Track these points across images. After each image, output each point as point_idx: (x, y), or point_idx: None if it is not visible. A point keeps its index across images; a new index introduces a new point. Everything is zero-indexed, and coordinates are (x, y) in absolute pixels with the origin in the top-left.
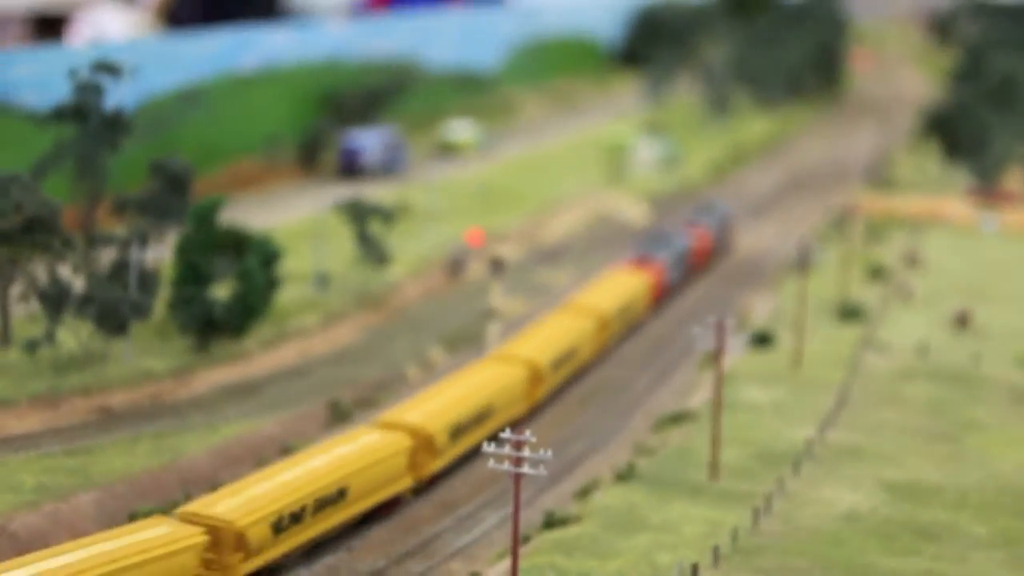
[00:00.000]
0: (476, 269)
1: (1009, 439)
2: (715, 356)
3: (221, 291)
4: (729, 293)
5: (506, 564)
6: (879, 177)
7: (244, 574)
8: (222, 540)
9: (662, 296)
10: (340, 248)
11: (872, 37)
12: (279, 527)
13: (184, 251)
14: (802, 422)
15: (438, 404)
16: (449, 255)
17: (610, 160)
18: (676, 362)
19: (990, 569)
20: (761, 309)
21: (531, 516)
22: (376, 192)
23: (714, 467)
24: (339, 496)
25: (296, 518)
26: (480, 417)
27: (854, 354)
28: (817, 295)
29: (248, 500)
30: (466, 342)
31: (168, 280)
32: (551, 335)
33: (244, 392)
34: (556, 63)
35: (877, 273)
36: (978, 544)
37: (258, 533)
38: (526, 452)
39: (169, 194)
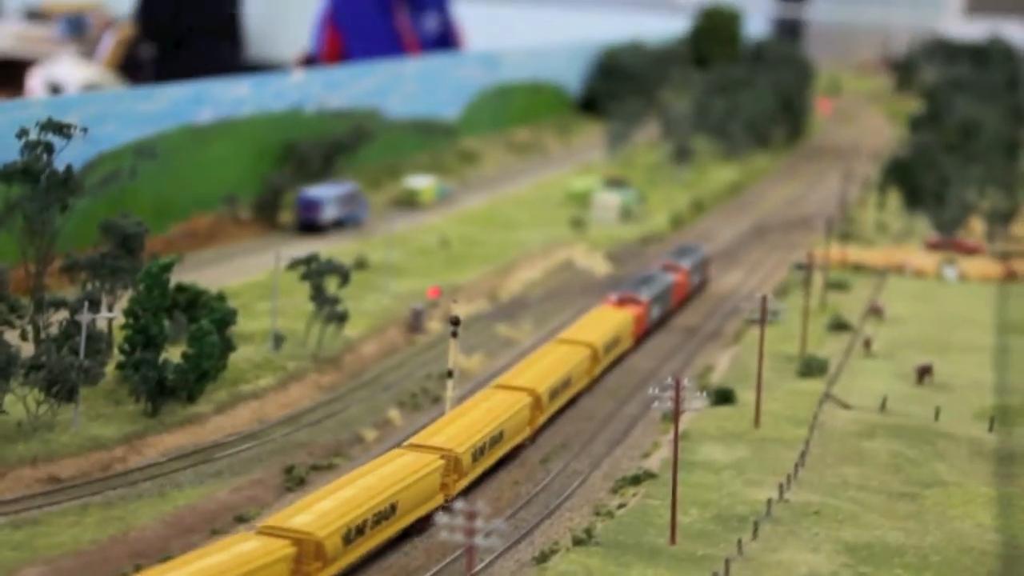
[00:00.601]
0: (436, 326)
1: (969, 496)
2: (672, 417)
3: (174, 354)
4: (689, 346)
5: None
6: (841, 227)
7: None
8: None
9: (645, 331)
10: (297, 306)
11: (832, 83)
12: None
13: (135, 313)
14: (762, 482)
15: (458, 429)
16: (409, 312)
17: (572, 211)
18: (635, 419)
19: None
20: (722, 363)
21: None
22: (335, 247)
23: (673, 530)
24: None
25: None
26: (494, 441)
27: (815, 411)
28: (778, 349)
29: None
30: (426, 402)
31: (119, 343)
32: (548, 365)
33: (197, 458)
34: (517, 111)
35: (839, 326)
36: None
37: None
38: (479, 523)
39: (121, 255)
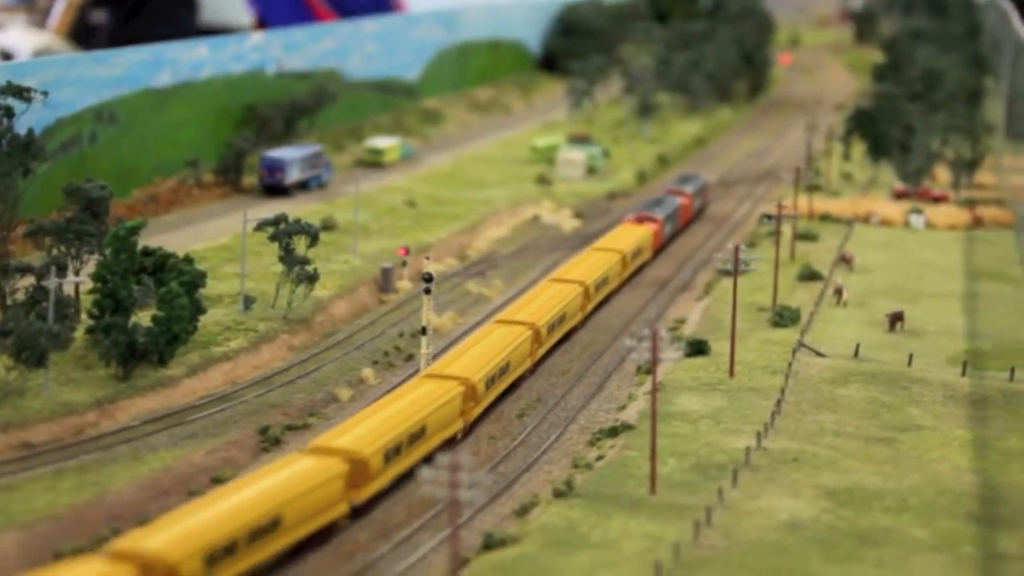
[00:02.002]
0: (405, 285)
1: (944, 439)
2: (650, 368)
3: (143, 319)
4: (660, 300)
5: None
6: (807, 178)
7: None
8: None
9: (661, 244)
10: (265, 268)
11: (792, 37)
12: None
13: (103, 277)
14: (739, 431)
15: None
16: (378, 271)
17: (537, 168)
18: (610, 373)
19: (932, 572)
20: (694, 315)
21: (469, 538)
22: (301, 209)
23: (653, 480)
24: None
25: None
26: (561, 320)
27: (789, 360)
28: (750, 300)
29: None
30: (399, 360)
31: (87, 308)
32: (593, 263)
33: (170, 421)
34: (478, 70)
35: (810, 276)
36: (920, 548)
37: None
38: (462, 475)
39: (86, 219)
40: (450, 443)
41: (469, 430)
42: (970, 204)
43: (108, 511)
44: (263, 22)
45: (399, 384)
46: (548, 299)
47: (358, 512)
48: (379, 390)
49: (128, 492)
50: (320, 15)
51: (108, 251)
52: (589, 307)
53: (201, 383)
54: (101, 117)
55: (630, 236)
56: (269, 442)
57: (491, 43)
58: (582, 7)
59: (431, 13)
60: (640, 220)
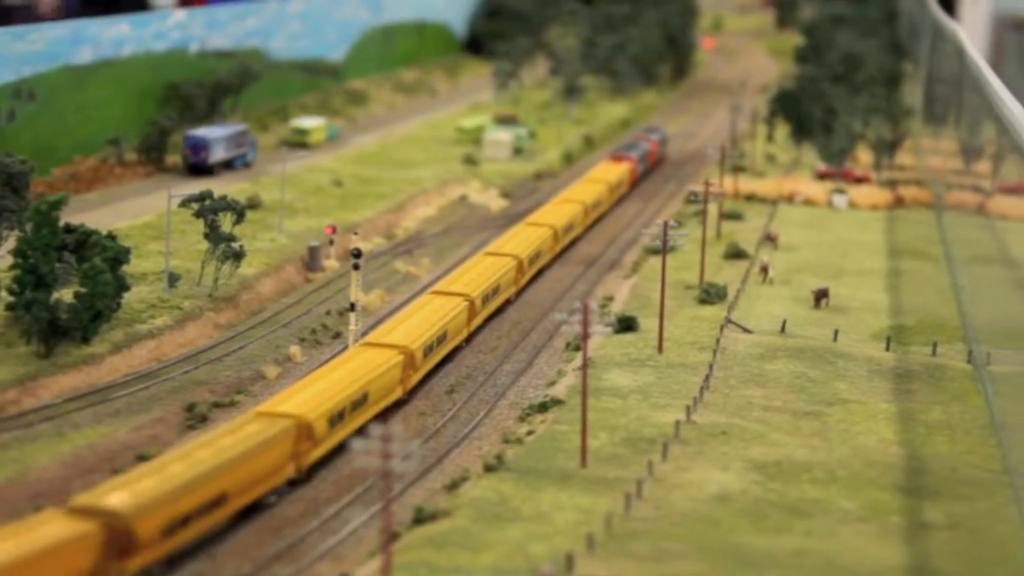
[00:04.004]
0: (333, 264)
1: (870, 413)
2: (581, 341)
3: (66, 296)
4: (589, 278)
5: (376, 563)
6: (732, 159)
7: None
8: None
9: (636, 179)
10: (189, 246)
11: (715, 22)
12: None
13: (24, 253)
14: (668, 405)
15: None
16: (305, 250)
17: (464, 149)
18: (539, 350)
19: (860, 542)
20: (622, 293)
21: (400, 512)
22: (225, 187)
23: (583, 454)
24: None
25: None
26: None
27: (716, 336)
28: (677, 278)
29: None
30: (326, 337)
31: (7, 284)
32: (585, 190)
33: (94, 398)
34: (403, 51)
35: (736, 254)
36: (848, 518)
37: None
38: (394, 446)
39: (6, 194)
40: (385, 414)
41: (408, 397)
42: (891, 184)
43: (31, 488)
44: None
45: (330, 358)
46: (556, 213)
47: (293, 483)
48: (306, 367)
49: (51, 469)
50: None
51: (29, 226)
52: (590, 220)
53: (125, 361)
54: (19, 94)
55: (612, 172)
56: (195, 419)
57: (417, 25)
58: None
59: None
60: (618, 159)
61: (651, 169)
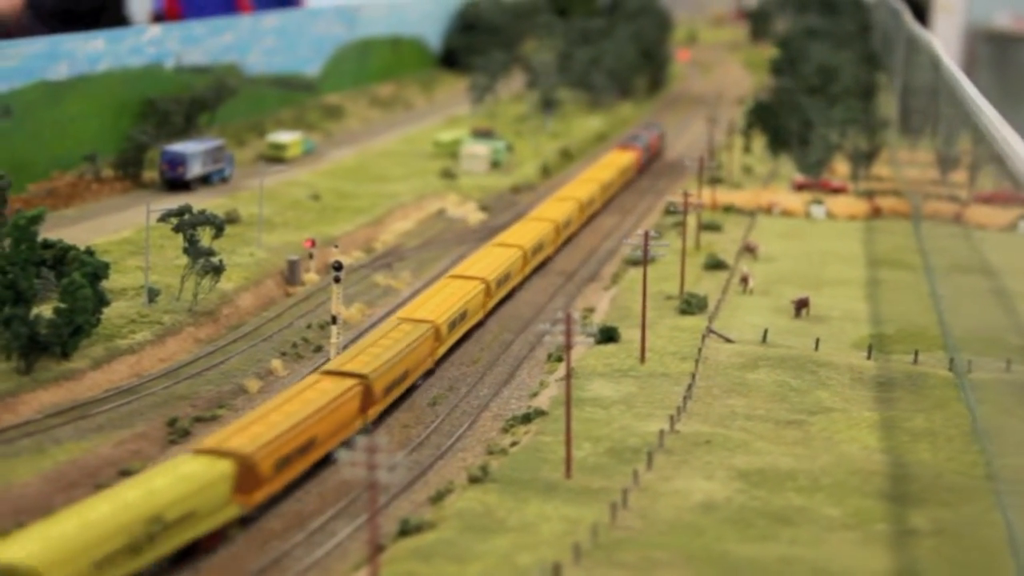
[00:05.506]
0: (312, 277)
1: (853, 421)
2: (564, 351)
3: (45, 312)
4: (567, 291)
5: None
6: (709, 171)
7: None
8: None
9: (642, 166)
10: (169, 261)
11: (689, 35)
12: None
13: (2, 268)
14: (652, 415)
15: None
16: (284, 263)
17: (441, 163)
18: (521, 361)
19: (845, 549)
20: (603, 304)
21: (385, 524)
22: (203, 202)
23: (568, 464)
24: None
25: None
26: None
27: (698, 346)
28: (657, 288)
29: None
30: (308, 351)
31: None
32: (602, 173)
33: (75, 414)
34: (379, 66)
35: (715, 265)
36: (832, 526)
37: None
38: (380, 458)
39: None
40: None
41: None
42: (868, 195)
43: (13, 504)
44: (181, 12)
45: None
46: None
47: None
48: (288, 381)
49: (33, 485)
50: (241, 6)
51: (8, 241)
52: (606, 197)
53: (106, 376)
54: None
55: (622, 158)
56: (178, 434)
57: (392, 39)
58: (482, 3)
59: (331, 9)
60: (625, 148)
61: (653, 158)
